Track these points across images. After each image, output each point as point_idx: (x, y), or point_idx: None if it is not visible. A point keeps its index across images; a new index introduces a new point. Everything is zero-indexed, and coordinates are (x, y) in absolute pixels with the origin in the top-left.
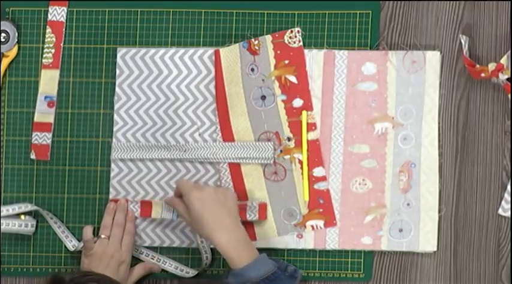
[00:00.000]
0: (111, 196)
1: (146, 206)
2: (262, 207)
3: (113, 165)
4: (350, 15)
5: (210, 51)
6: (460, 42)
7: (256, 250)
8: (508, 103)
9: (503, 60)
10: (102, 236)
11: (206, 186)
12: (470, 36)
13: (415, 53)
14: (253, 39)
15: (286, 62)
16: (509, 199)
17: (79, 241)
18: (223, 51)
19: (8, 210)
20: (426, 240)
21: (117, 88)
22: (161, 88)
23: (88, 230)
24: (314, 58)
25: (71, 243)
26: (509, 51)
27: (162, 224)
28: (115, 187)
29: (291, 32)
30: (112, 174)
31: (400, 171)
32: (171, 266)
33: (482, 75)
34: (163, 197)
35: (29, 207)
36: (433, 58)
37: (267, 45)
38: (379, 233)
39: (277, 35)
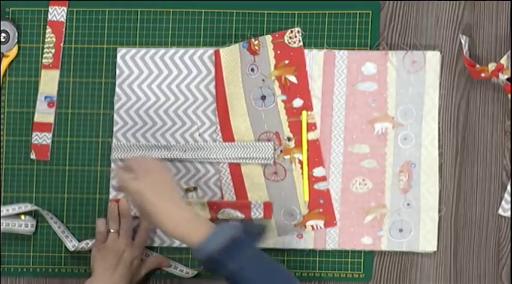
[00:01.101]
0: (111, 196)
1: None
2: (267, 206)
3: (113, 165)
4: (350, 15)
5: (210, 51)
6: (460, 42)
7: (210, 224)
8: (508, 103)
9: (503, 60)
10: (112, 230)
11: (142, 173)
12: (470, 36)
13: (415, 53)
14: (253, 39)
15: (286, 62)
16: (509, 199)
17: (79, 241)
18: (223, 51)
19: (8, 209)
20: (426, 240)
21: (117, 89)
22: (161, 89)
23: (101, 223)
24: (314, 58)
25: (71, 243)
26: (509, 51)
27: None
28: (115, 187)
29: (291, 32)
30: (112, 174)
31: (400, 171)
32: (171, 266)
33: (482, 75)
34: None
35: (29, 206)
36: (433, 58)
37: (267, 45)
38: (379, 233)
39: (277, 35)
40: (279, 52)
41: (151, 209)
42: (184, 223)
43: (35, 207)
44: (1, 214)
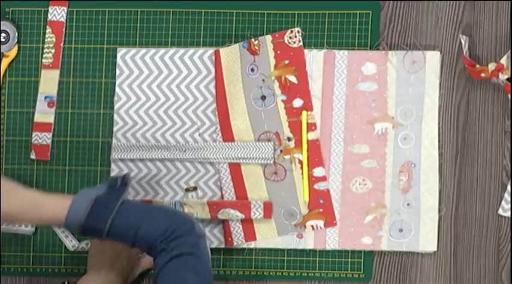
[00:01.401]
0: None
1: None
2: (267, 206)
3: (113, 165)
4: (350, 15)
5: (210, 51)
6: (460, 42)
7: (68, 197)
8: (508, 103)
9: (503, 60)
10: None
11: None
12: (470, 36)
13: (415, 53)
14: (253, 39)
15: (286, 62)
16: (509, 199)
17: (79, 241)
18: (223, 51)
19: None
20: (426, 240)
21: (117, 89)
22: (161, 89)
23: None
24: (314, 58)
25: (71, 243)
26: (509, 51)
27: None
28: None
29: (291, 32)
30: (112, 174)
31: (400, 171)
32: None
33: (482, 75)
34: (163, 197)
35: None
36: (433, 58)
37: (267, 45)
38: (379, 233)
39: (277, 35)
40: (279, 52)
41: None
42: (36, 203)
43: None
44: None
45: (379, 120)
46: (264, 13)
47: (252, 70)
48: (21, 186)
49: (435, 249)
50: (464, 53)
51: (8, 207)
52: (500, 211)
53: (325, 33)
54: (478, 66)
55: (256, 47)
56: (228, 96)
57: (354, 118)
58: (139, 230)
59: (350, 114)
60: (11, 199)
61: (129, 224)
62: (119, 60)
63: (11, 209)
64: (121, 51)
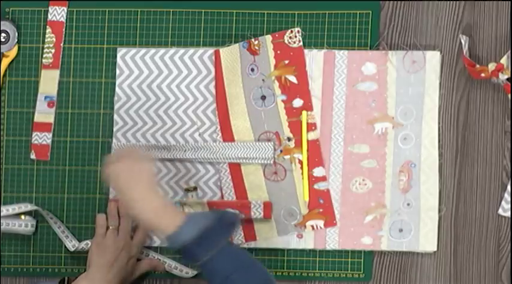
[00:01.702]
0: (111, 196)
1: None
2: (267, 206)
3: None
4: (350, 15)
5: (210, 51)
6: (460, 42)
7: (183, 214)
8: (508, 103)
9: (503, 60)
10: (111, 227)
11: (125, 158)
12: (470, 36)
13: (415, 53)
14: (253, 39)
15: (286, 62)
16: (509, 199)
17: (79, 241)
18: (223, 51)
19: (8, 209)
20: (426, 240)
21: (117, 89)
22: (161, 89)
23: (101, 217)
24: (314, 58)
25: (71, 243)
26: (509, 51)
27: None
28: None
29: (291, 32)
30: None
31: (400, 171)
32: (170, 266)
33: (482, 75)
34: (163, 196)
35: (28, 206)
36: (433, 58)
37: (267, 45)
38: (379, 233)
39: (277, 35)
40: (279, 52)
41: (125, 193)
42: (158, 212)
43: (35, 207)
44: (1, 214)
45: (379, 120)
46: (264, 13)
47: (252, 70)
48: (154, 192)
49: (435, 249)
50: (464, 53)
51: (143, 212)
52: (500, 211)
53: (325, 33)
54: (478, 66)
55: (256, 47)
56: (228, 96)
57: (354, 118)
58: (229, 277)
59: (350, 114)
60: (147, 204)
61: (224, 268)
62: (119, 60)
63: (146, 215)
64: (121, 51)
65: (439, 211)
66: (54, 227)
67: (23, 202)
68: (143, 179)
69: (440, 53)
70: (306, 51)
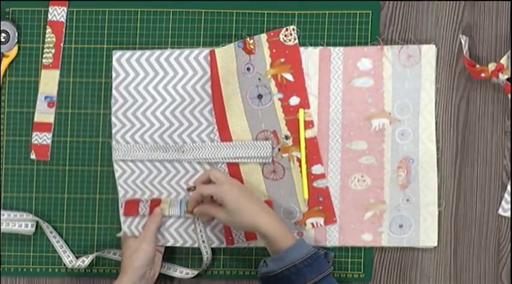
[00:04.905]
0: (120, 195)
1: (155, 204)
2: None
3: (115, 166)
4: (350, 15)
5: (206, 51)
6: (460, 42)
7: (293, 235)
8: (508, 103)
9: (503, 60)
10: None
11: (225, 180)
12: (470, 36)
13: (410, 47)
14: (248, 39)
15: (282, 60)
16: (509, 199)
17: (77, 258)
18: (219, 51)
19: (10, 215)
20: (426, 235)
21: (113, 91)
22: (158, 90)
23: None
24: (310, 55)
25: (68, 259)
26: (509, 51)
27: (162, 225)
28: (122, 186)
29: (286, 30)
30: (117, 175)
31: (399, 167)
32: (170, 267)
33: (482, 75)
34: (166, 197)
35: (30, 216)
36: (429, 52)
37: (263, 44)
38: (380, 229)
39: (272, 34)
40: (274, 50)
41: (247, 204)
42: (279, 224)
43: (36, 218)
44: (1, 217)
45: (376, 116)
46: (263, 13)
47: (248, 69)
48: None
49: (435, 244)
50: (464, 53)
51: (269, 226)
52: (500, 211)
53: (325, 33)
54: (478, 66)
55: (252, 46)
56: (224, 95)
57: (351, 114)
58: None
59: (347, 110)
60: (274, 219)
61: None
62: (114, 63)
63: (270, 229)
64: (116, 54)
65: (439, 205)
66: (53, 241)
67: (23, 202)
68: (258, 198)
69: (440, 52)
70: (301, 48)
